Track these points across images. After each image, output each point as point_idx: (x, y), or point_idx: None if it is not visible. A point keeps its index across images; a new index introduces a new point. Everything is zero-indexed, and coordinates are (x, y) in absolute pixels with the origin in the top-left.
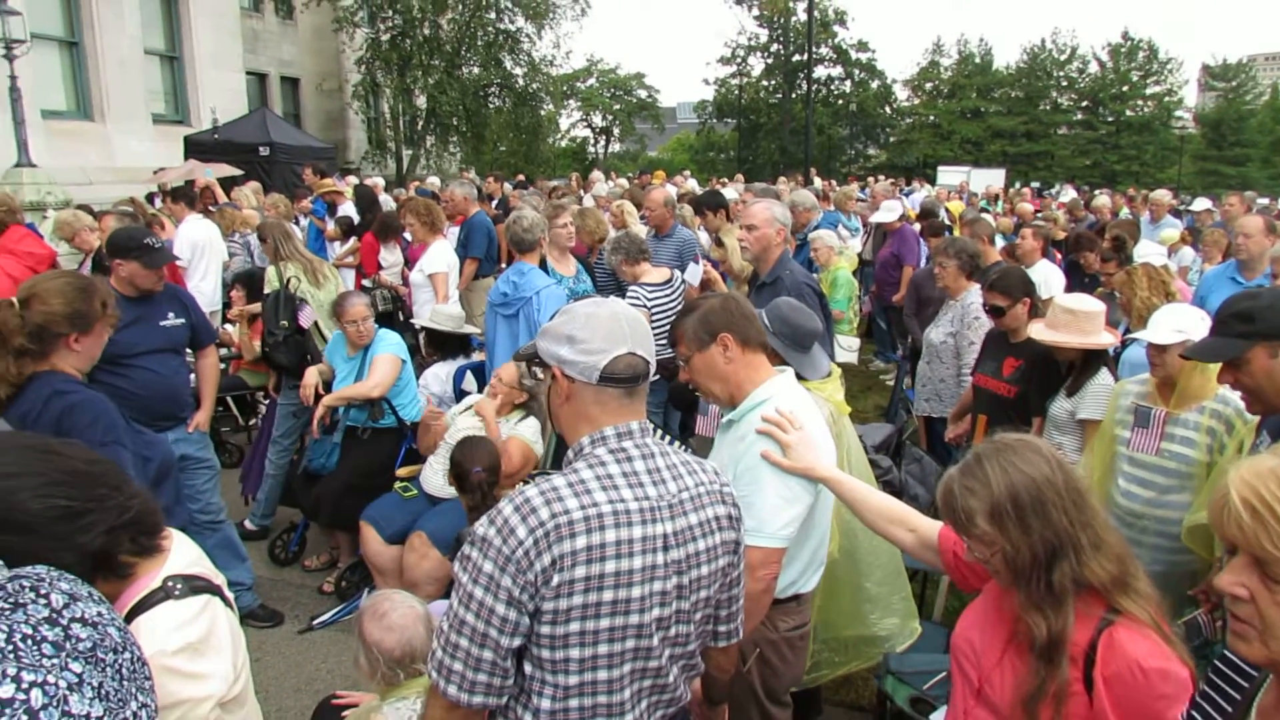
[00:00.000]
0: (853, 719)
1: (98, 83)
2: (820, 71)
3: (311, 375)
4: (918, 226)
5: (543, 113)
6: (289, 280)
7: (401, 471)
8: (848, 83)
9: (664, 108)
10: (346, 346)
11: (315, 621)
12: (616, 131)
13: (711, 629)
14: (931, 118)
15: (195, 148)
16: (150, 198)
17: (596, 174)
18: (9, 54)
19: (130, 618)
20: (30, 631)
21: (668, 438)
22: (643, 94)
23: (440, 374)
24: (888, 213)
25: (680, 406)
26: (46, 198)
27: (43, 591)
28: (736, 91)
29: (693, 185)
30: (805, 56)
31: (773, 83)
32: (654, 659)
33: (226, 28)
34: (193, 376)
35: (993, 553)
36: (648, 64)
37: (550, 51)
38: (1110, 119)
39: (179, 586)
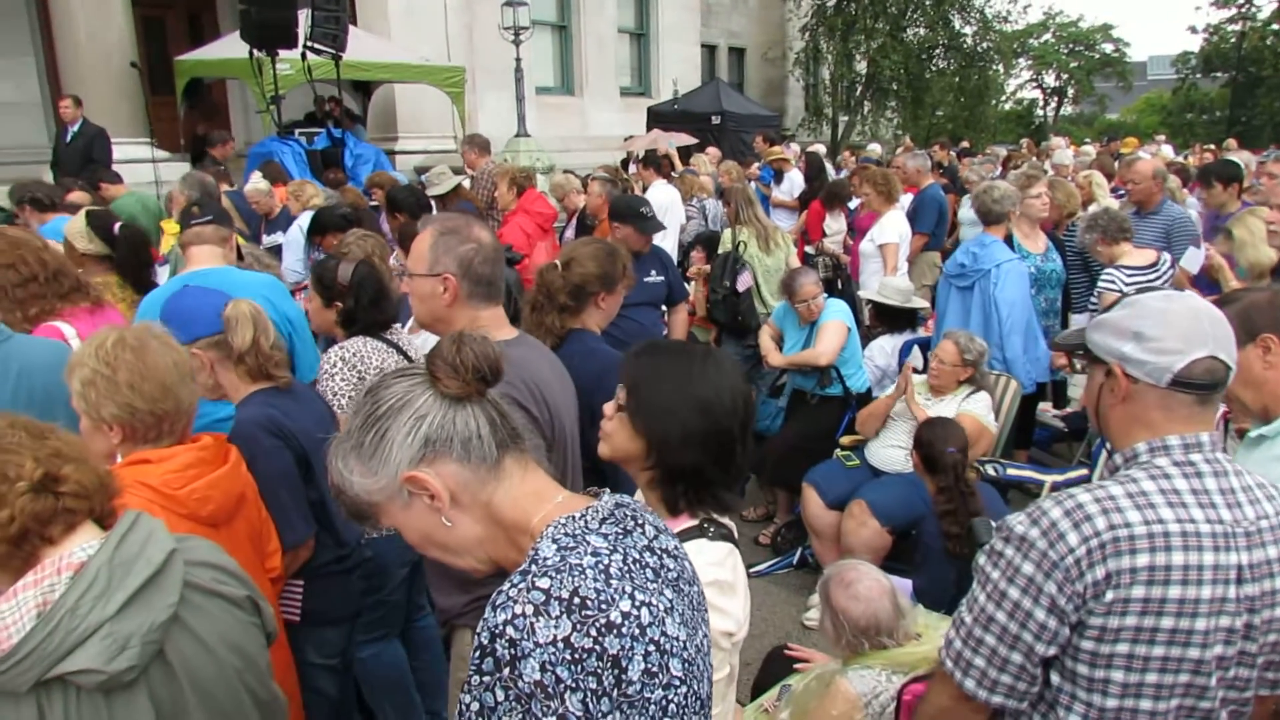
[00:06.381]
0: None
1: (579, 61)
2: None
3: (767, 341)
4: None
5: (990, 73)
6: (739, 244)
7: (845, 440)
8: None
9: (1132, 63)
10: (798, 316)
11: (751, 570)
12: (1071, 92)
13: (1271, 677)
14: None
15: (656, 118)
16: (624, 164)
17: (1057, 140)
18: (516, 39)
19: None
20: (638, 556)
21: None
22: (1108, 48)
23: (885, 347)
24: None
25: None
26: (536, 164)
27: (640, 520)
28: (1234, 39)
29: (1167, 152)
30: None
31: None
32: (1206, 699)
33: (686, 3)
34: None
35: None
36: (1117, 13)
37: (1005, 7)
38: None
39: (712, 529)
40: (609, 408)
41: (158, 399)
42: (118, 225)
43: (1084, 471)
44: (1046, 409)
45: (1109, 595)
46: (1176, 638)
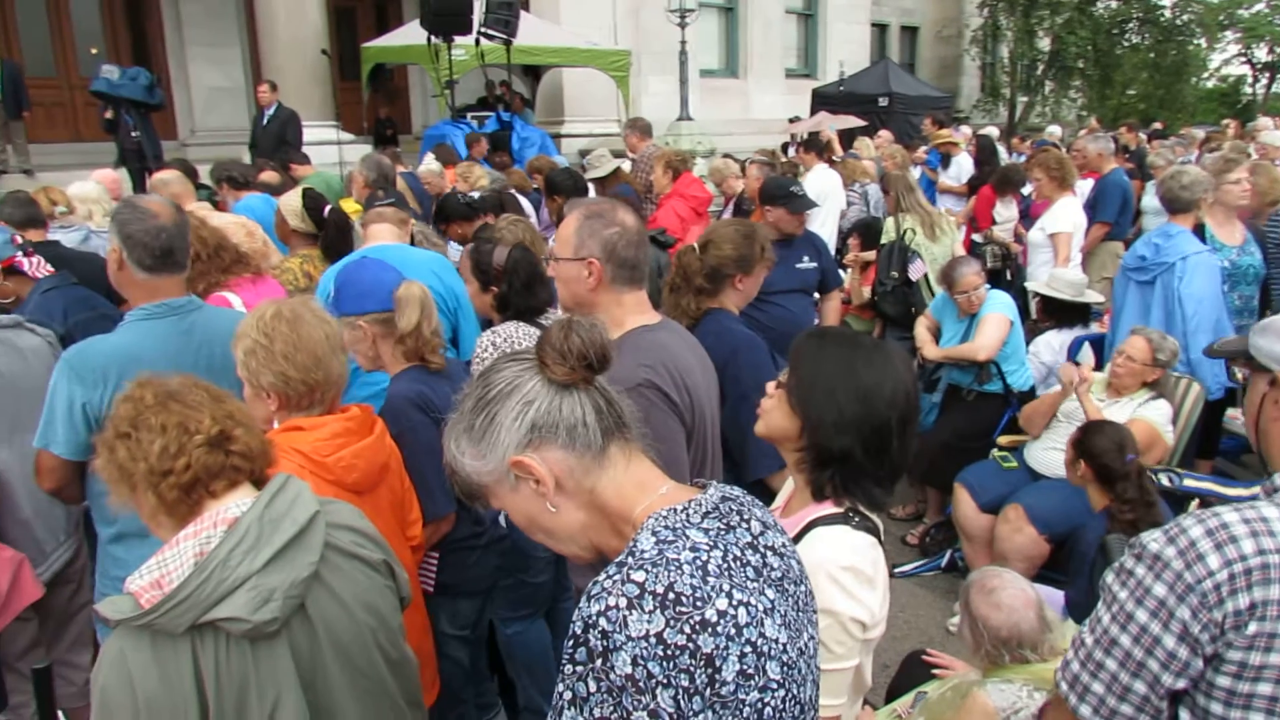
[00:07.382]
0: None
1: (744, 43)
2: None
3: (923, 332)
4: None
5: (1190, 48)
6: (905, 232)
7: (1003, 440)
8: None
9: None
10: (957, 307)
11: (896, 570)
12: None
13: None
14: None
15: (821, 100)
16: (785, 147)
17: (1264, 120)
18: (682, 22)
19: (806, 529)
20: (739, 554)
21: None
22: None
23: (1053, 343)
24: None
25: None
26: (698, 147)
27: (745, 516)
28: None
29: None
30: None
31: None
32: None
33: None
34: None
35: None
36: None
37: None
38: None
39: (857, 518)
40: (770, 385)
41: (310, 369)
42: (328, 209)
43: None
44: (1235, 416)
45: (1252, 628)
46: None
